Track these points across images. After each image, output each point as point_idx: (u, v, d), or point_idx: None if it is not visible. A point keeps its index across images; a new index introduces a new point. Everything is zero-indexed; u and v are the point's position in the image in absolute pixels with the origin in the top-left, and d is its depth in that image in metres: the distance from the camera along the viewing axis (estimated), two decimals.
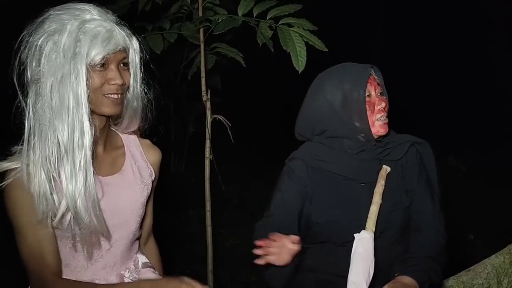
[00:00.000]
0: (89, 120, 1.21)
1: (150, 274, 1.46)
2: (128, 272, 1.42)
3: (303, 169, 1.59)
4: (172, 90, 4.59)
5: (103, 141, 1.36)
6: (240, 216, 4.12)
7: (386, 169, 1.56)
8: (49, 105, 1.19)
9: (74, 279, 1.32)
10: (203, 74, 2.20)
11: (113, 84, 1.25)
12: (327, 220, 1.54)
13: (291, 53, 1.96)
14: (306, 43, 1.97)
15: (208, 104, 2.21)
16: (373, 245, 1.39)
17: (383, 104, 1.54)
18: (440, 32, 6.68)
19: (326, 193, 1.56)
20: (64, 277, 1.31)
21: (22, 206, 1.21)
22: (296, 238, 1.35)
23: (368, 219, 1.46)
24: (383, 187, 1.52)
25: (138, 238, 1.50)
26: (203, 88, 2.21)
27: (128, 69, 1.30)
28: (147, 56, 1.37)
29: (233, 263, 3.25)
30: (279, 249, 1.35)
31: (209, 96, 2.21)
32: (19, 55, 1.22)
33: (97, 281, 1.34)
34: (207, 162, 2.21)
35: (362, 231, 1.41)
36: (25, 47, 1.22)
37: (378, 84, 1.57)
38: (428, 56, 6.66)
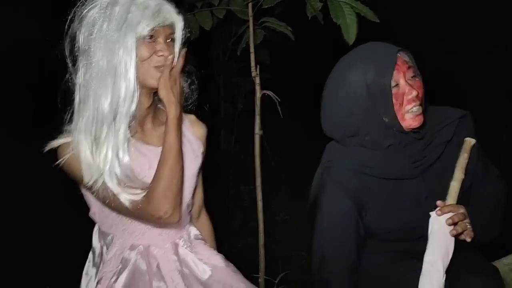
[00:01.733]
0: (135, 88, 1.26)
1: (202, 245, 1.50)
2: (183, 240, 1.46)
3: (351, 179, 1.44)
4: (221, 67, 4.62)
5: (150, 117, 1.41)
6: (289, 191, 4.13)
7: (470, 141, 1.44)
8: (98, 73, 1.25)
9: (132, 243, 1.38)
10: (252, 50, 2.19)
11: (161, 56, 1.29)
12: (387, 228, 1.47)
13: (341, 25, 1.90)
14: (357, 14, 1.91)
15: (257, 80, 2.20)
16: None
17: (414, 93, 1.37)
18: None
19: (381, 200, 1.45)
20: (122, 240, 1.38)
21: (84, 169, 1.28)
22: None
23: (448, 196, 1.38)
24: (466, 160, 1.41)
25: (191, 211, 1.54)
26: (252, 63, 2.19)
27: (173, 44, 1.34)
28: (191, 37, 1.40)
29: (283, 237, 3.29)
30: None
31: (258, 72, 2.20)
32: (71, 27, 1.28)
33: (152, 248, 1.40)
34: (257, 138, 2.22)
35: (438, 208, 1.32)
36: (78, 18, 1.27)
37: (409, 68, 1.40)
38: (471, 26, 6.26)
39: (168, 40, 1.32)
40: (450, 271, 1.37)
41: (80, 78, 1.28)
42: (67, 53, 1.29)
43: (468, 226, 1.31)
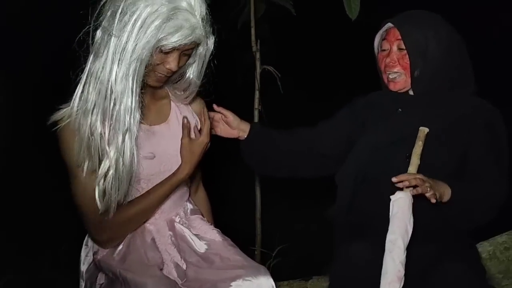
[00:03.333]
0: (138, 96, 1.25)
1: (199, 220, 1.52)
2: (178, 217, 1.47)
3: (362, 102, 1.71)
4: (221, 41, 4.55)
5: (150, 92, 1.40)
6: None
7: (423, 130, 1.53)
8: (111, 64, 1.22)
9: None
10: (252, 24, 2.17)
11: (168, 69, 1.28)
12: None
13: (344, 0, 1.88)
14: None
15: (257, 55, 2.19)
16: (409, 204, 1.38)
17: (387, 60, 1.59)
18: None
19: (375, 122, 1.63)
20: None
21: (74, 149, 1.27)
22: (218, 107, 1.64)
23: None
24: (421, 148, 1.49)
25: (189, 187, 1.55)
26: (253, 38, 2.18)
27: (189, 56, 1.32)
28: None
29: (279, 211, 3.32)
30: (216, 122, 1.68)
31: (258, 47, 2.18)
32: (107, 5, 1.24)
33: (147, 225, 1.42)
34: (256, 113, 2.22)
35: (397, 192, 1.40)
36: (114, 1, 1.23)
37: (398, 40, 1.58)
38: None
39: (184, 52, 1.28)
40: (429, 256, 1.45)
41: (97, 44, 1.24)
42: (91, 26, 1.24)
43: (429, 190, 1.37)
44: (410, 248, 1.36)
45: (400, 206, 1.38)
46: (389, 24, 1.63)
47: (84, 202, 1.30)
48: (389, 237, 1.36)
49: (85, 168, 1.27)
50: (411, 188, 1.39)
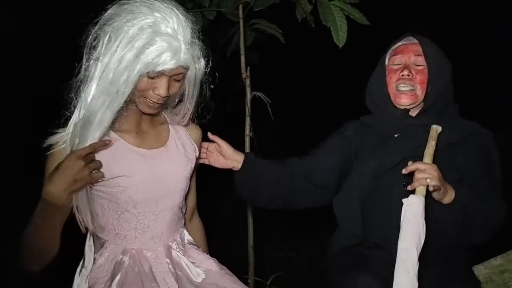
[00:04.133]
0: (108, 126, 1.25)
1: (194, 250, 1.49)
2: (175, 244, 1.45)
3: (353, 128, 1.70)
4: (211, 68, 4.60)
5: (148, 118, 1.41)
6: None
7: (436, 129, 1.48)
8: (98, 88, 1.23)
9: (124, 247, 1.37)
10: (242, 51, 2.19)
11: (157, 94, 1.27)
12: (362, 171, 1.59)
13: (331, 28, 1.92)
14: (347, 17, 1.92)
15: (247, 81, 2.20)
16: (423, 210, 1.31)
17: (405, 72, 1.56)
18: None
19: (370, 148, 1.62)
20: (114, 245, 1.37)
21: None
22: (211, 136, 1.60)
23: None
24: (434, 148, 1.44)
25: (184, 214, 1.54)
26: (243, 65, 2.20)
27: (180, 81, 1.31)
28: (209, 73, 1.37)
29: (272, 239, 3.29)
30: (210, 153, 1.65)
31: (248, 73, 2.20)
32: (98, 32, 1.24)
33: (145, 251, 1.39)
34: (247, 140, 2.22)
35: (411, 196, 1.33)
36: (107, 21, 1.23)
37: (416, 55, 1.59)
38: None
39: (174, 77, 1.28)
40: (428, 282, 1.41)
41: (90, 74, 1.24)
42: (86, 49, 1.24)
43: (428, 181, 1.34)
44: None
45: (414, 211, 1.29)
46: (407, 40, 1.64)
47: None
48: (402, 244, 1.28)
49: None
50: (424, 194, 1.34)
